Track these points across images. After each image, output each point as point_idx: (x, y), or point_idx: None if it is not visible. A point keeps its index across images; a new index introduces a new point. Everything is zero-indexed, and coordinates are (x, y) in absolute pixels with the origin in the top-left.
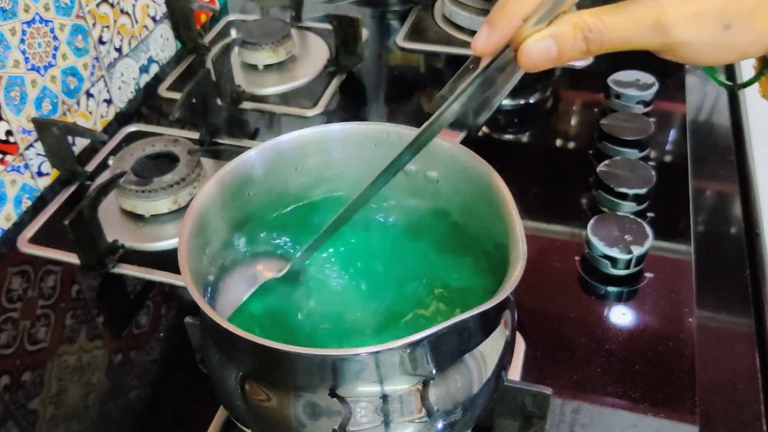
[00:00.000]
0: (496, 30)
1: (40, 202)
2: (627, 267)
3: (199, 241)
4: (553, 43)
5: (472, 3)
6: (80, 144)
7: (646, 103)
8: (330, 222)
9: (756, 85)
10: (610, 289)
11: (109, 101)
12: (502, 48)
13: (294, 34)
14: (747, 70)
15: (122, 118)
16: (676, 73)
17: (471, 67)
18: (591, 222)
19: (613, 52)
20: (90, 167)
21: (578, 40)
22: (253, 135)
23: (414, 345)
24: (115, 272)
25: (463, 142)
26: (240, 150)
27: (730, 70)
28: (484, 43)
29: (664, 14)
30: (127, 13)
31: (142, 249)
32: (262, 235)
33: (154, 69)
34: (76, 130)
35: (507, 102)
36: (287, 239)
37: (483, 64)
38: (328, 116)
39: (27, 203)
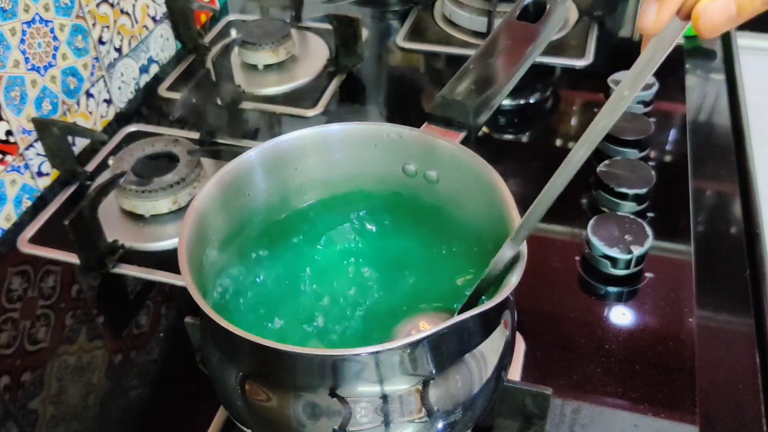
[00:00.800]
0: (666, 3)
1: (40, 202)
2: (627, 267)
3: (199, 241)
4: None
5: (472, 3)
6: (80, 144)
7: (646, 103)
8: None
9: (755, 71)
10: (610, 289)
11: (109, 101)
12: (671, 20)
13: (294, 34)
14: (744, 58)
15: (122, 118)
16: (676, 73)
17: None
18: (591, 222)
19: (611, 50)
20: (90, 167)
21: None
22: (253, 135)
23: (414, 345)
24: (115, 272)
25: (463, 142)
26: (240, 150)
27: (725, 40)
28: (655, 19)
29: None
30: (127, 13)
31: (142, 249)
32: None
33: (154, 69)
34: (76, 130)
35: (507, 102)
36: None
37: (648, 44)
38: (328, 116)
39: (27, 203)
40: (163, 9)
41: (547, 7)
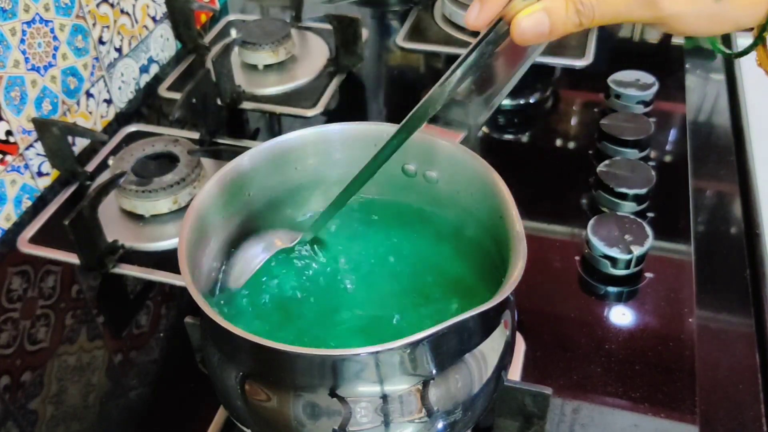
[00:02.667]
0: (488, 3)
1: (40, 202)
2: (627, 267)
3: (199, 241)
4: (545, 17)
5: None
6: (80, 144)
7: (646, 103)
8: (333, 201)
9: (755, 71)
10: (610, 289)
11: (109, 101)
12: (494, 22)
13: (294, 34)
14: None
15: (122, 118)
16: (676, 73)
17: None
18: (591, 222)
19: (611, 50)
20: (90, 167)
21: (570, 14)
22: (253, 135)
23: (414, 345)
24: (115, 272)
25: (463, 142)
26: (240, 150)
27: (726, 42)
28: (476, 16)
29: None
30: (127, 13)
31: (142, 249)
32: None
33: (154, 69)
34: (76, 130)
35: (507, 102)
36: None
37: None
38: (328, 116)
39: (27, 203)
40: (163, 9)
41: None
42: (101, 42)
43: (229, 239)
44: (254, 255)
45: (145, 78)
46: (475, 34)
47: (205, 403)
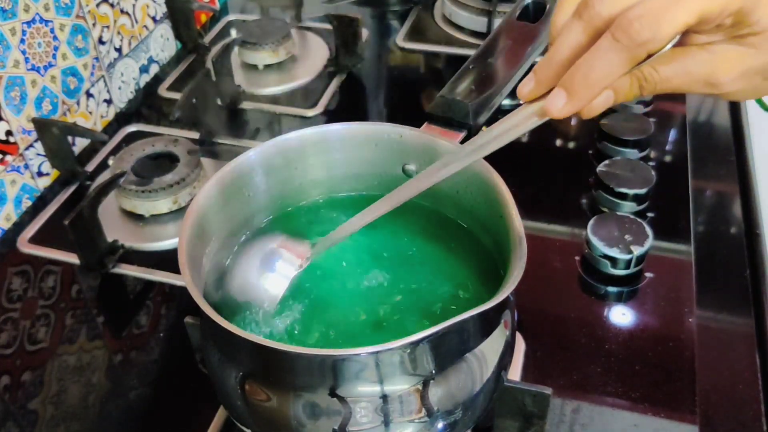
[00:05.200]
0: (576, 100)
1: (40, 202)
2: (627, 267)
3: (199, 241)
4: (612, 94)
5: (472, 3)
6: (80, 144)
7: (646, 103)
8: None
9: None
10: (610, 289)
11: (109, 101)
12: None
13: (294, 34)
14: None
15: (122, 118)
16: None
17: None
18: (591, 222)
19: None
20: (90, 167)
21: (634, 88)
22: (253, 135)
23: (414, 345)
24: (115, 272)
25: (463, 142)
26: (240, 150)
27: None
28: (561, 110)
29: (717, 73)
30: (127, 13)
31: (142, 249)
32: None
33: (154, 69)
34: (76, 130)
35: (507, 102)
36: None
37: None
38: (328, 116)
39: (27, 203)
40: (163, 9)
41: (547, 7)
42: (101, 42)
43: (229, 239)
44: (257, 269)
45: (145, 78)
46: (475, 34)
47: (205, 403)
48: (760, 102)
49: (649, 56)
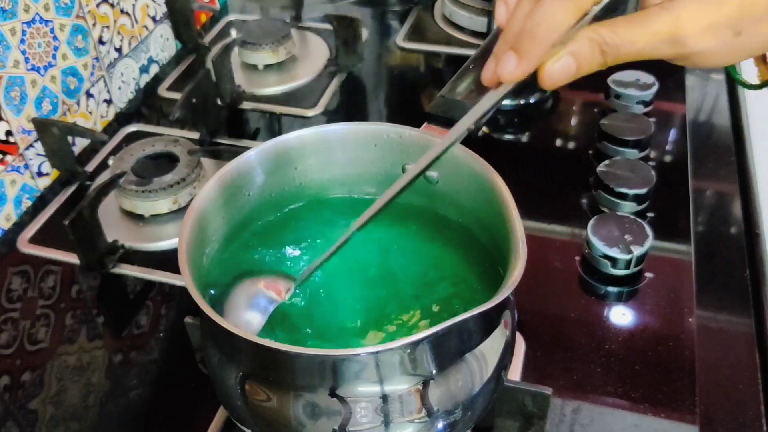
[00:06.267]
0: (526, 59)
1: (40, 202)
2: (627, 267)
3: (199, 241)
4: (572, 61)
5: (472, 3)
6: (80, 144)
7: (646, 103)
8: (337, 242)
9: (754, 71)
10: (610, 289)
11: (109, 101)
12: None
13: (294, 34)
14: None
15: (122, 118)
16: (676, 73)
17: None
18: (591, 222)
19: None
20: (90, 167)
21: (595, 54)
22: (253, 135)
23: (414, 345)
24: (115, 272)
25: (463, 142)
26: (240, 150)
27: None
28: (513, 72)
29: (680, 28)
30: (127, 13)
31: (142, 249)
32: (261, 236)
33: (154, 69)
34: (76, 130)
35: (507, 102)
36: (286, 240)
37: (502, 88)
38: (328, 116)
39: (27, 203)
40: (163, 9)
41: None
42: (101, 42)
43: (229, 239)
44: (242, 308)
45: (145, 78)
46: (475, 34)
47: (205, 403)
48: (732, 70)
49: (595, 4)
